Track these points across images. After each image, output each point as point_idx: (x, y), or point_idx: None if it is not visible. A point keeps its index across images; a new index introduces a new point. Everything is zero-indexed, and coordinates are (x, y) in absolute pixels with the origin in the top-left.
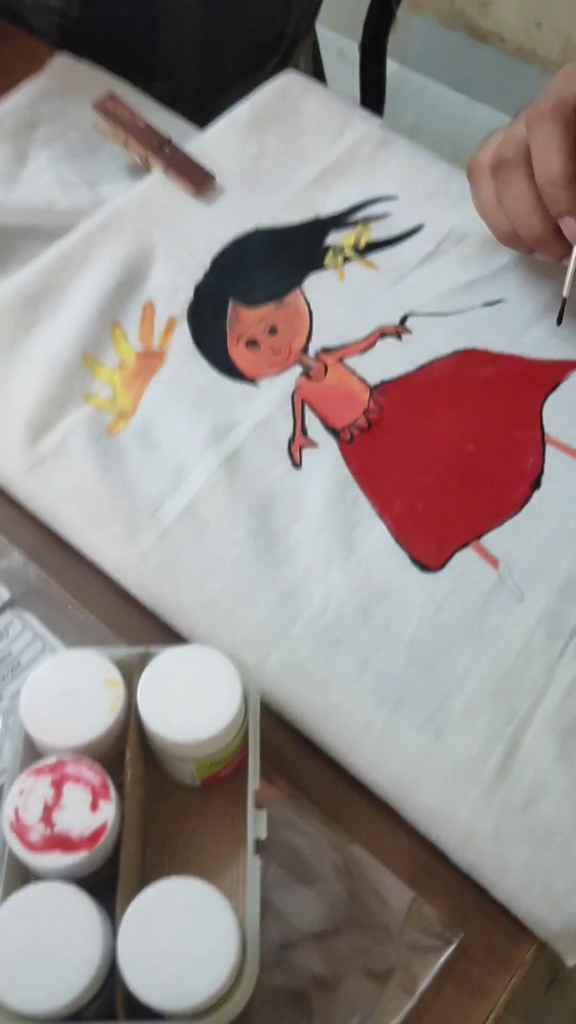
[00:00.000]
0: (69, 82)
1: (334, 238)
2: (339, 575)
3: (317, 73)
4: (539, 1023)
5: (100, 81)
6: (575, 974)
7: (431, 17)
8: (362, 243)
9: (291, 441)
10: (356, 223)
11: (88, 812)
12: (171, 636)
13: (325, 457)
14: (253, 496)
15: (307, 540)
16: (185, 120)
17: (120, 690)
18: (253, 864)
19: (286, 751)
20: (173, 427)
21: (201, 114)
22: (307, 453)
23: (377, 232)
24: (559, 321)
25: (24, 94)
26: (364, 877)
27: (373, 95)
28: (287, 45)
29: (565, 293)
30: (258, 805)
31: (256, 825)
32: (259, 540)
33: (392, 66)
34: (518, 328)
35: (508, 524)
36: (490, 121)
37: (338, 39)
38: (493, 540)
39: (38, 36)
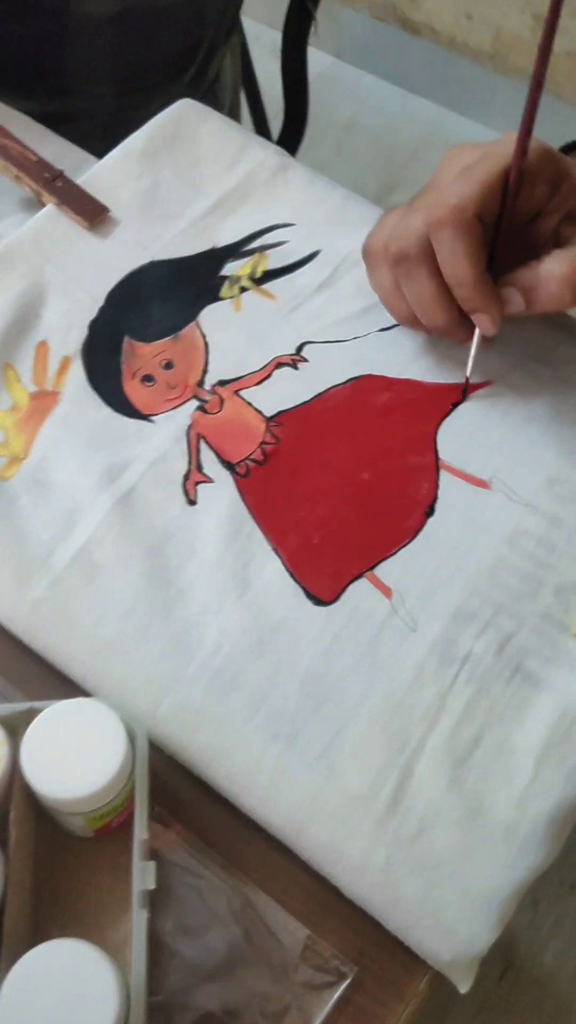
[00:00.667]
0: None
1: (231, 268)
2: (233, 613)
3: (247, 74)
4: (493, 1014)
5: None
6: (527, 962)
7: (363, 11)
8: (259, 272)
9: (186, 477)
10: (253, 252)
11: None
12: (67, 683)
13: (221, 492)
14: (147, 536)
15: (201, 579)
16: (83, 150)
17: (3, 749)
18: (139, 917)
19: (182, 793)
20: (67, 469)
21: (118, 128)
22: (202, 489)
23: (274, 260)
24: (461, 399)
25: None
26: (260, 917)
27: (296, 96)
28: (204, 54)
29: (468, 373)
30: (152, 853)
31: (144, 876)
32: (152, 582)
33: (326, 60)
34: (414, 352)
35: (402, 553)
36: (424, 112)
37: (273, 35)
38: (387, 570)
39: None
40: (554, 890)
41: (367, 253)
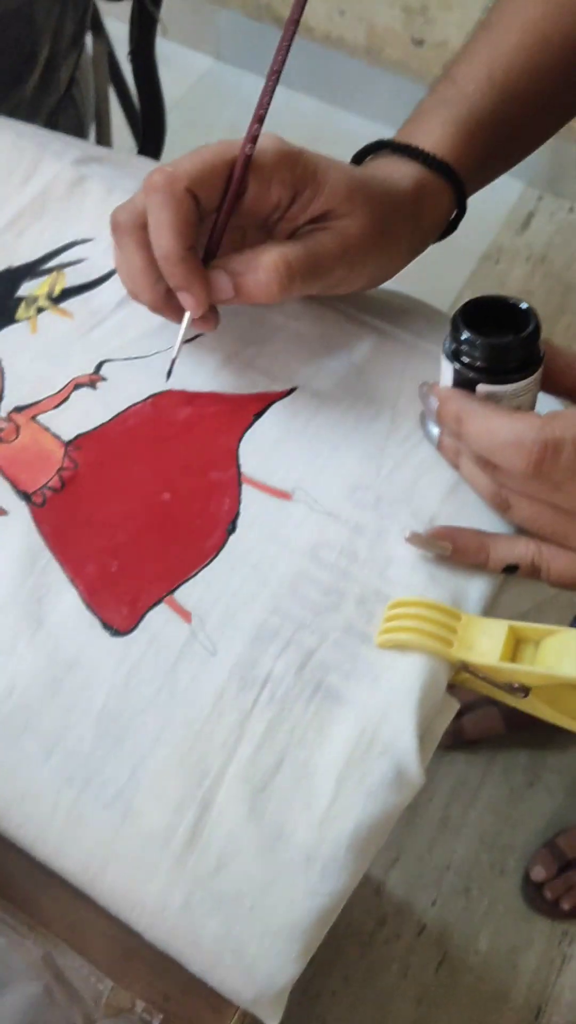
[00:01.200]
0: None
1: (27, 288)
2: (26, 653)
3: (115, 77)
4: (433, 1004)
5: None
6: (462, 950)
7: (237, 10)
8: (56, 291)
9: None
10: (50, 271)
11: None
12: None
13: (15, 525)
14: None
15: None
16: None
17: None
18: None
19: None
20: None
21: None
22: None
23: (72, 278)
24: (168, 377)
25: None
26: (60, 971)
27: (149, 103)
28: (44, 64)
29: (174, 355)
30: None
31: None
32: None
33: (207, 61)
34: (217, 363)
35: (203, 573)
36: (308, 108)
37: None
38: (187, 593)
39: None
40: (485, 876)
41: (112, 226)
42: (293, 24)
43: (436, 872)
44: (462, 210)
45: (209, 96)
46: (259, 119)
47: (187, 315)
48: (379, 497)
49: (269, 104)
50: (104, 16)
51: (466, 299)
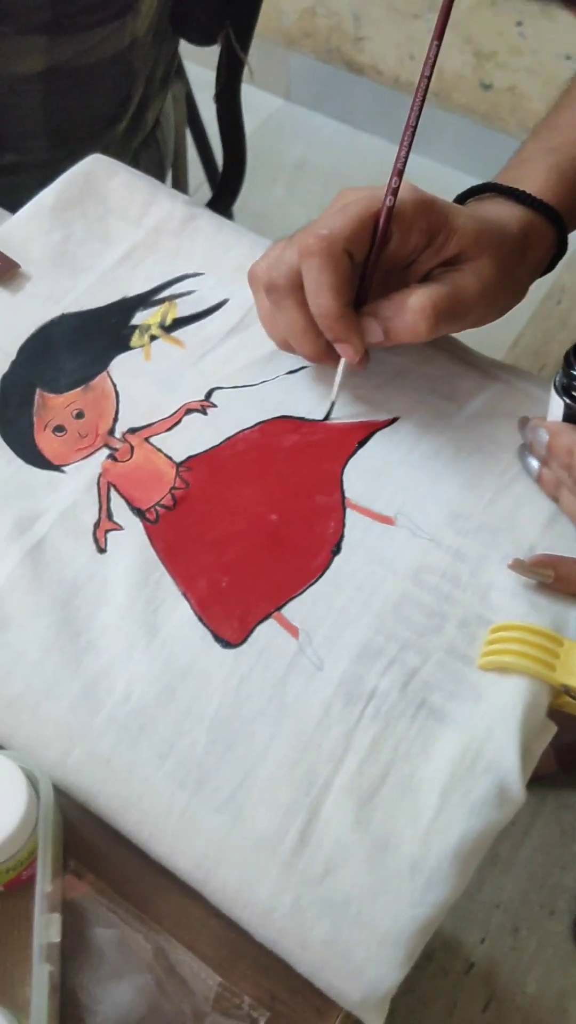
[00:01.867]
0: None
1: (141, 317)
2: (142, 660)
3: (192, 118)
4: None
5: None
6: (510, 990)
7: (309, 54)
8: (168, 320)
9: (96, 526)
10: (162, 301)
11: None
12: None
13: (131, 539)
14: (57, 587)
15: (111, 627)
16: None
17: None
18: (40, 971)
19: (94, 843)
20: None
21: (53, 178)
22: (112, 537)
23: (183, 308)
24: (326, 418)
25: None
26: (172, 966)
27: (232, 141)
28: (137, 105)
29: (333, 398)
30: (65, 905)
31: (47, 929)
32: (62, 633)
33: (276, 102)
34: (321, 393)
35: (309, 592)
36: (373, 149)
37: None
38: (294, 610)
39: None
40: (534, 916)
41: (250, 279)
42: (426, 80)
43: (485, 910)
44: (561, 250)
45: (276, 135)
46: (398, 172)
47: (343, 362)
48: (480, 525)
49: (407, 158)
50: (184, 59)
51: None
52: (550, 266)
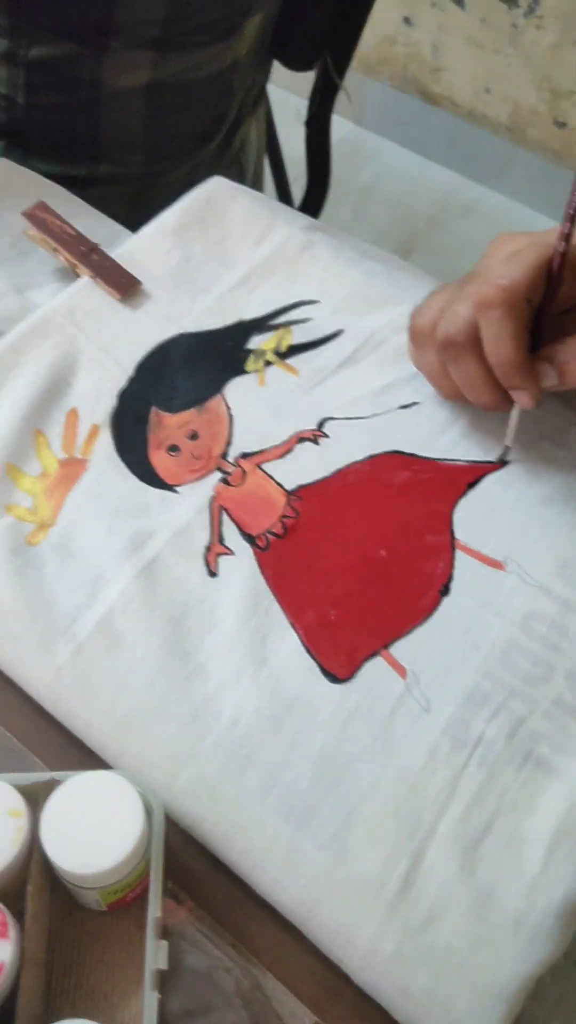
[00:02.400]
0: (3, 187)
1: (256, 341)
2: (250, 688)
3: (270, 139)
4: None
5: (33, 184)
6: None
7: (385, 82)
8: (283, 347)
9: (207, 549)
10: (278, 327)
11: None
12: (85, 752)
13: (241, 565)
14: (168, 607)
15: (219, 652)
16: (117, 223)
17: (23, 820)
18: (151, 999)
19: (195, 869)
20: (92, 537)
21: (143, 192)
22: (223, 561)
23: (298, 335)
24: (501, 461)
25: None
26: (267, 1001)
27: (319, 165)
28: (230, 124)
29: (508, 443)
30: (163, 932)
31: (156, 956)
32: (172, 654)
33: (347, 127)
34: (433, 430)
35: (417, 632)
36: (442, 179)
37: (295, 100)
38: (402, 649)
39: None
40: (558, 965)
41: (414, 333)
42: None
43: None
44: None
45: (346, 158)
46: (570, 218)
47: (517, 408)
48: None
49: None
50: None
51: None
52: None
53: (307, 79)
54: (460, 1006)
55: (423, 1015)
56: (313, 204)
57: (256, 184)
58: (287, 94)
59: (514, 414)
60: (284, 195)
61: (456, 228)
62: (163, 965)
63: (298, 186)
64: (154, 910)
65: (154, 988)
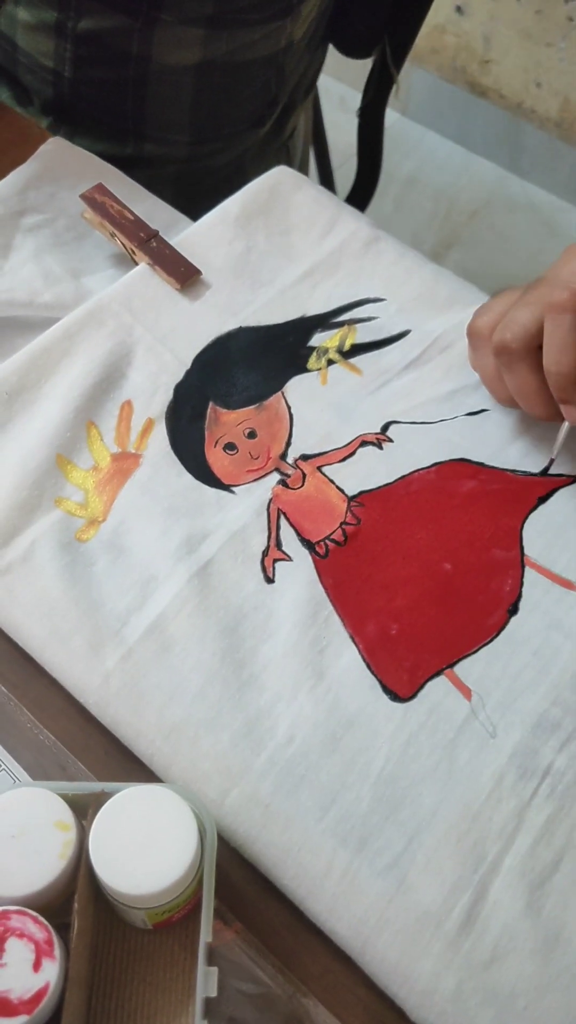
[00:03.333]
0: (60, 167)
1: (319, 339)
2: (307, 703)
3: (317, 129)
4: None
5: (91, 166)
6: None
7: (432, 71)
8: (347, 345)
9: (265, 554)
10: (342, 324)
11: (30, 972)
12: (132, 760)
13: (299, 572)
14: (223, 613)
15: (275, 663)
16: (176, 210)
17: (71, 834)
18: None
19: (244, 890)
20: (145, 535)
21: (189, 174)
22: (280, 567)
23: (363, 335)
24: (543, 473)
25: (13, 179)
26: None
27: (370, 156)
28: (281, 110)
29: (554, 455)
30: (209, 959)
31: (206, 983)
32: (226, 662)
33: (392, 116)
34: (502, 439)
35: (483, 652)
36: (486, 173)
37: (340, 87)
38: (467, 668)
39: (31, 93)
40: None
41: (471, 334)
42: None
43: None
44: None
45: (389, 149)
46: None
47: (565, 425)
48: None
49: None
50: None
51: None
52: None
53: (353, 65)
54: None
55: None
56: (361, 196)
57: (302, 171)
58: (332, 81)
59: (562, 431)
60: (327, 183)
61: (499, 223)
62: (212, 993)
63: (339, 174)
64: (205, 935)
65: (204, 1017)
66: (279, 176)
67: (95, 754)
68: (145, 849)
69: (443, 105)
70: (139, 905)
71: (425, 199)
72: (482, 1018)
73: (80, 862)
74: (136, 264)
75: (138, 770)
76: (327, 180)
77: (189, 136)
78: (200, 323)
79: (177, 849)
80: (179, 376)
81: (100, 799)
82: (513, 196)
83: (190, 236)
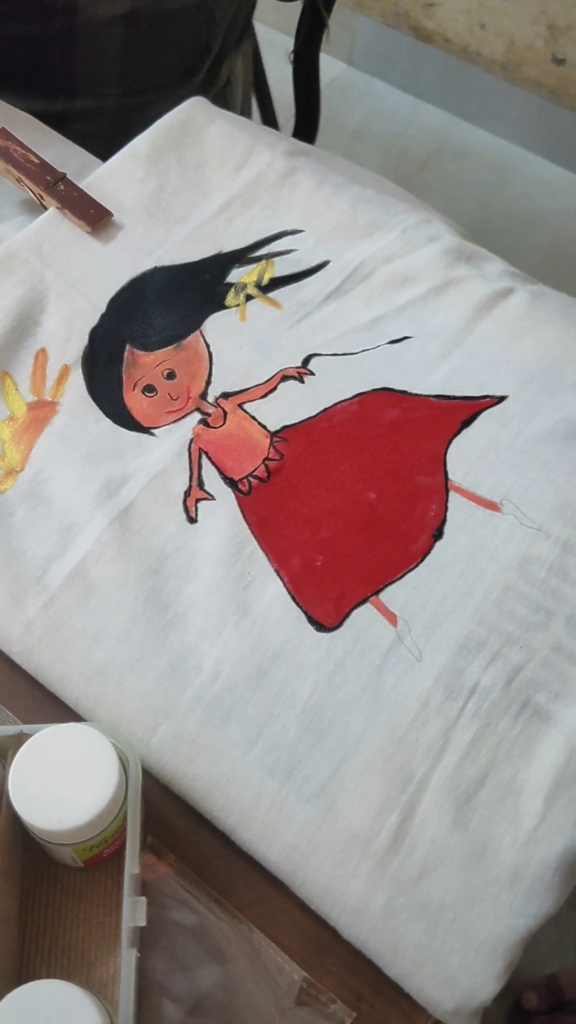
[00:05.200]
0: None
1: (236, 275)
2: (232, 638)
3: (258, 78)
4: None
5: (1, 113)
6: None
7: (376, 18)
8: (265, 280)
9: (187, 494)
10: (260, 259)
11: None
12: (60, 706)
13: (222, 510)
14: (145, 555)
15: (200, 601)
16: (88, 152)
17: None
18: (128, 956)
19: (176, 824)
20: (64, 483)
21: (123, 128)
22: (203, 507)
23: (281, 268)
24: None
25: None
26: (255, 957)
27: (307, 103)
28: (214, 58)
29: None
30: (143, 886)
31: (134, 913)
32: (149, 604)
33: (338, 67)
34: (425, 366)
35: (408, 577)
36: (436, 120)
37: (285, 40)
38: (393, 595)
39: None
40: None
41: None
42: None
43: None
44: None
45: (337, 100)
46: None
47: None
48: None
49: None
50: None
51: None
52: None
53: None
54: (454, 961)
55: (415, 970)
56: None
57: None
58: (275, 32)
59: None
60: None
61: (450, 171)
62: (141, 922)
63: (287, 127)
64: (131, 866)
65: (132, 945)
66: (191, 110)
67: (23, 701)
68: (65, 786)
69: (388, 52)
70: (64, 841)
71: (375, 150)
72: (412, 931)
73: (1, 803)
74: (45, 209)
75: (67, 716)
76: (270, 125)
77: (120, 88)
78: (114, 265)
79: (98, 783)
80: (94, 320)
81: (20, 740)
82: (463, 141)
83: (100, 177)
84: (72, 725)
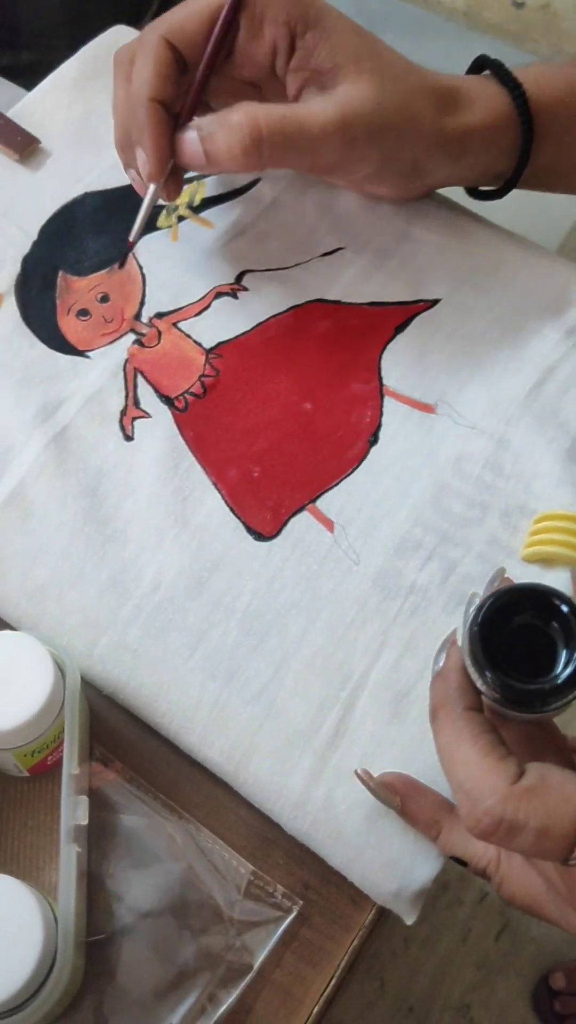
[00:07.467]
0: None
1: None
2: (172, 550)
3: None
4: (492, 970)
5: None
6: (523, 920)
7: None
8: (197, 200)
9: (123, 413)
10: (190, 180)
11: None
12: (5, 627)
13: (158, 428)
14: (83, 475)
15: (139, 516)
16: (16, 85)
17: None
18: (68, 852)
19: (123, 734)
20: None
21: None
22: (140, 424)
23: (212, 188)
24: (121, 266)
25: None
26: (203, 854)
27: None
28: (159, 3)
29: (132, 238)
30: (91, 792)
31: (74, 811)
32: (88, 521)
33: None
34: (358, 276)
35: (345, 483)
36: None
37: None
38: (329, 502)
39: None
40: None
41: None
42: None
43: None
44: (523, 163)
45: None
46: None
47: (151, 187)
48: (525, 411)
49: None
50: None
51: None
52: (512, 180)
53: None
54: (394, 845)
55: (356, 857)
56: None
57: None
58: None
59: (147, 196)
60: None
61: None
62: (82, 821)
63: None
64: (70, 767)
65: (72, 841)
66: (117, 35)
67: None
68: (1, 690)
69: (352, 5)
70: (2, 745)
71: None
72: (352, 820)
73: None
74: None
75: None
76: None
77: (67, 39)
78: (44, 193)
79: (34, 686)
80: (26, 248)
81: None
82: None
83: (26, 105)
84: (6, 632)
